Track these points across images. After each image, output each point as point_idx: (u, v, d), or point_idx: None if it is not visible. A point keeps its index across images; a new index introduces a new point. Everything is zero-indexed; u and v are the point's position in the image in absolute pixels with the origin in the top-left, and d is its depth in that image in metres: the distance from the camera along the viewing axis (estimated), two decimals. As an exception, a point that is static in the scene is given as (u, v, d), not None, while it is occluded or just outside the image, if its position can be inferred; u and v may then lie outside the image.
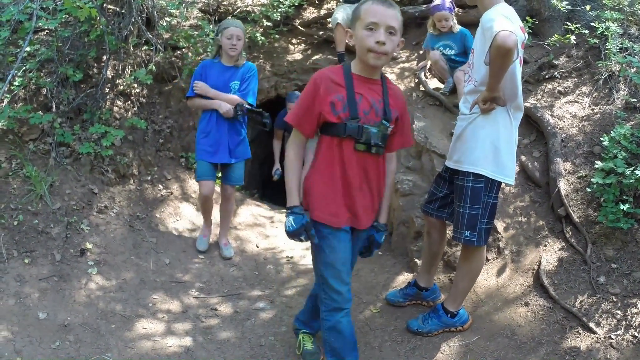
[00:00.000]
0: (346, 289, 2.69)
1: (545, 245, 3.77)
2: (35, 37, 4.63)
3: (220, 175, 4.64)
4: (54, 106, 4.44)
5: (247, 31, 5.94)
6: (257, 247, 4.92)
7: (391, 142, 2.73)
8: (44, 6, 4.24)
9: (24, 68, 4.27)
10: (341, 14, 5.68)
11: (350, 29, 2.61)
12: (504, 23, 2.70)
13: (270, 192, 5.66)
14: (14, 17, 4.12)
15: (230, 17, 5.75)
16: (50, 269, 3.68)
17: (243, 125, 4.45)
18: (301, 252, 4.87)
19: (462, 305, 3.43)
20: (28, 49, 4.09)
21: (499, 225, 3.96)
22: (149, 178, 4.97)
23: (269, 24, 6.11)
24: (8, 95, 4.10)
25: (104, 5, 4.74)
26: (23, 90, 4.42)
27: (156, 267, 4.19)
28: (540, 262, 3.65)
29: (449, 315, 3.38)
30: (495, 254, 3.90)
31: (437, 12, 4.87)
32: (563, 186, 3.91)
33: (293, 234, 2.62)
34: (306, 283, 4.28)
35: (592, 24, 4.70)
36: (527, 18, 4.88)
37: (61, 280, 3.66)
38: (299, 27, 6.53)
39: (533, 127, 4.47)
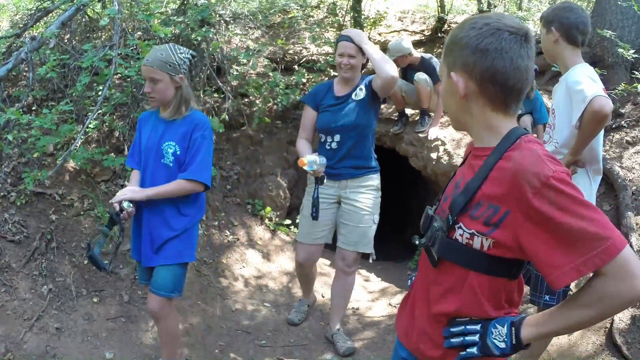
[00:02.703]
0: None
1: (617, 302, 3.50)
2: (109, 80, 4.76)
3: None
4: (125, 149, 4.48)
5: (313, 80, 5.93)
6: (323, 297, 4.71)
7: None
8: (120, 52, 4.35)
9: (99, 111, 4.36)
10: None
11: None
12: (593, 86, 2.62)
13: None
14: (93, 63, 4.25)
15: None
16: (118, 310, 3.62)
17: (186, 212, 2.93)
18: (367, 304, 4.68)
19: None
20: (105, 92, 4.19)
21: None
22: (216, 223, 4.90)
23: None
24: (82, 137, 4.16)
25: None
26: (96, 132, 4.49)
27: (222, 313, 4.08)
28: (612, 320, 3.43)
29: None
30: (567, 310, 3.67)
31: None
32: (635, 241, 3.69)
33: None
34: (373, 336, 4.09)
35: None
36: (596, 69, 4.80)
37: (128, 321, 3.59)
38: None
39: (602, 179, 4.23)
